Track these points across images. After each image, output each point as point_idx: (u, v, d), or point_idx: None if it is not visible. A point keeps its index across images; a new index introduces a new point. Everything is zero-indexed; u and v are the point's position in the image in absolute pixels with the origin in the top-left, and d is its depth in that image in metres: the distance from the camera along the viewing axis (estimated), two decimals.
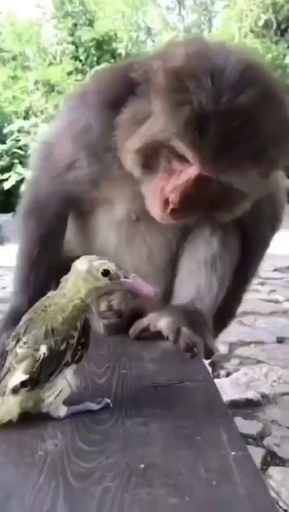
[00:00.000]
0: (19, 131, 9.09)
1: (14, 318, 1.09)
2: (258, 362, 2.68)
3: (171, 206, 0.95)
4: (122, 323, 1.17)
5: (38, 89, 9.73)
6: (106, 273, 0.74)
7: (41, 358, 0.68)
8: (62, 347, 0.69)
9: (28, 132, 9.09)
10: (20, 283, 1.20)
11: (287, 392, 2.39)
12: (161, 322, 1.07)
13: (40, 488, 0.56)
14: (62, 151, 1.14)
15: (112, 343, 1.09)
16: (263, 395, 2.35)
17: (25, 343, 0.70)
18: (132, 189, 1.07)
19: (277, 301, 3.86)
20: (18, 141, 8.96)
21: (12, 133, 9.02)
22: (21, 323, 0.74)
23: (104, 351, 1.02)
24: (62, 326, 0.70)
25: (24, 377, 0.67)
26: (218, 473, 0.59)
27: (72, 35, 10.34)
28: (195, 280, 1.17)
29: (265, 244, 1.30)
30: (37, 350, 0.69)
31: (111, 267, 0.73)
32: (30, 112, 9.40)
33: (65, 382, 0.71)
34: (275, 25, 10.77)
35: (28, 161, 8.64)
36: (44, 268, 1.19)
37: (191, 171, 0.92)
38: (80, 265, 0.74)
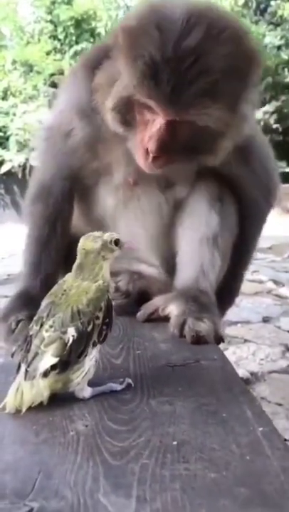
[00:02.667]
0: None
1: (25, 299, 1.12)
2: (246, 341, 2.74)
3: (150, 155, 1.00)
4: (129, 304, 1.19)
5: (16, 69, 9.51)
6: (116, 242, 0.75)
7: (70, 340, 0.69)
8: (89, 328, 0.70)
9: (7, 113, 8.90)
10: (31, 265, 1.21)
11: (275, 370, 2.45)
12: (169, 310, 1.11)
13: (79, 466, 0.57)
14: (61, 125, 1.20)
15: (121, 324, 1.10)
16: (252, 373, 2.41)
17: (51, 326, 0.70)
18: (126, 152, 1.11)
19: (260, 282, 3.92)
20: None
21: None
22: (42, 307, 0.74)
23: (115, 333, 1.02)
24: (87, 308, 0.71)
25: (54, 360, 0.68)
26: (250, 448, 0.60)
27: (50, 13, 10.08)
28: (198, 258, 1.20)
29: (262, 216, 1.33)
30: (64, 332, 0.69)
31: (118, 236, 0.76)
32: (9, 93, 9.19)
33: (92, 362, 0.71)
34: (254, 5, 10.69)
35: (8, 143, 8.49)
36: (54, 249, 1.21)
37: (160, 119, 0.97)
38: (90, 244, 0.75)
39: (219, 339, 1.07)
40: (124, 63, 0.98)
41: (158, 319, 1.12)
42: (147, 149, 1.00)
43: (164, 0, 1.01)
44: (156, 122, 0.98)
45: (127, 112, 1.02)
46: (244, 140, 1.08)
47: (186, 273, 1.20)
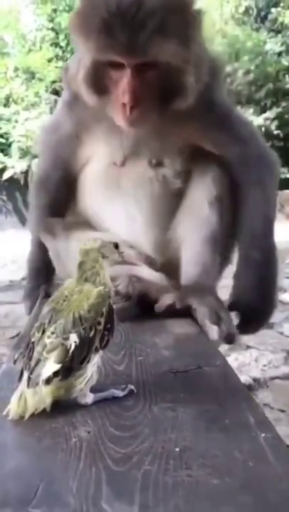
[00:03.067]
0: (0, 118, 8.94)
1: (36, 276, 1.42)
2: (248, 347, 2.73)
3: (128, 106, 1.07)
4: (131, 307, 1.21)
5: (18, 76, 9.54)
6: (116, 246, 0.76)
7: (72, 346, 0.69)
8: (91, 334, 0.70)
9: (9, 120, 8.94)
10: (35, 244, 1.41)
11: (277, 376, 2.44)
12: (189, 302, 1.18)
13: (81, 473, 0.57)
14: (54, 120, 1.37)
15: (123, 330, 1.10)
16: (255, 379, 2.40)
17: (52, 332, 0.70)
18: (107, 130, 1.20)
19: None
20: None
21: None
22: (44, 313, 0.74)
23: (117, 339, 1.02)
24: (89, 314, 0.71)
25: (57, 366, 0.68)
26: (253, 455, 0.60)
27: (52, 21, 10.14)
28: (200, 258, 1.24)
29: (267, 187, 1.28)
30: (66, 339, 0.69)
31: (117, 239, 0.78)
32: (11, 100, 9.23)
33: (95, 368, 0.71)
34: (255, 12, 10.74)
35: (10, 150, 8.52)
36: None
37: (126, 71, 1.06)
38: (89, 245, 0.76)
39: (232, 337, 1.14)
40: (79, 37, 1.09)
41: (176, 311, 1.19)
42: (124, 104, 1.07)
43: None
44: (123, 76, 1.06)
45: (97, 80, 1.10)
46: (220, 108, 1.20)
47: (191, 270, 1.24)
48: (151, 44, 1.02)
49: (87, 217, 1.32)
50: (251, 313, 1.24)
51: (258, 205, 1.24)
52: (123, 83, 1.06)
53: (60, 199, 1.37)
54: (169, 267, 1.28)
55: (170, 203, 1.28)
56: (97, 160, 1.29)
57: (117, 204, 1.27)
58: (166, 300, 1.21)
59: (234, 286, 1.25)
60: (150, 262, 1.23)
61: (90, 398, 0.73)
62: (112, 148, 1.24)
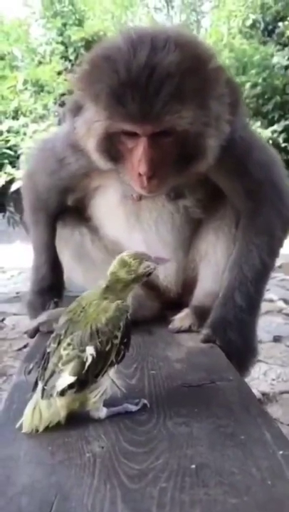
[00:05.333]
0: (8, 131, 8.99)
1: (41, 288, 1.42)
2: (257, 361, 2.69)
3: (144, 177, 1.01)
4: None
5: (27, 89, 9.62)
6: (149, 274, 0.75)
7: (89, 359, 0.68)
8: (108, 347, 0.69)
9: (18, 132, 9.01)
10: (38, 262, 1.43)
11: (287, 391, 2.41)
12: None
13: (96, 489, 0.56)
14: (55, 152, 1.26)
15: (134, 343, 1.09)
16: (264, 394, 2.37)
17: (69, 344, 0.69)
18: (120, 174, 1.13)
19: (271, 300, 3.89)
20: (8, 141, 8.86)
21: (1, 133, 8.92)
22: (60, 324, 0.73)
23: (128, 352, 1.01)
24: (106, 327, 0.70)
25: (72, 379, 0.67)
26: (271, 472, 0.59)
27: (61, 34, 10.25)
28: (217, 284, 1.23)
29: (275, 238, 1.25)
30: (83, 351, 0.68)
31: (152, 269, 0.75)
32: (20, 112, 9.31)
33: (109, 381, 0.71)
34: (262, 26, 10.81)
35: (19, 162, 8.59)
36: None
37: (141, 139, 0.99)
38: (124, 274, 0.75)
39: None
40: (87, 99, 1.03)
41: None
42: (140, 174, 1.01)
43: (108, 38, 1.06)
44: (138, 145, 1.00)
45: (110, 147, 1.04)
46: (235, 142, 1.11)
47: (209, 287, 1.25)
48: (167, 112, 0.95)
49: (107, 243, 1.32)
50: (231, 349, 1.14)
51: (259, 252, 1.19)
52: (138, 152, 1.00)
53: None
54: (186, 284, 1.29)
55: (191, 229, 1.27)
56: (113, 192, 1.25)
57: (137, 235, 1.25)
58: (183, 323, 1.22)
59: (213, 319, 1.19)
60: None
61: (103, 413, 0.72)
62: (126, 185, 1.17)
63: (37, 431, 0.68)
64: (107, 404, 0.73)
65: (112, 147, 1.04)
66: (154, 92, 0.93)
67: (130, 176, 1.05)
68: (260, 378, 2.54)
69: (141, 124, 0.97)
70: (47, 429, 0.68)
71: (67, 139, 1.20)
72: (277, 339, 3.05)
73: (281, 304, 3.83)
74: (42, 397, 0.68)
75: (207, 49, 1.04)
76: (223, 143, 1.06)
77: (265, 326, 3.20)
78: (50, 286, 1.42)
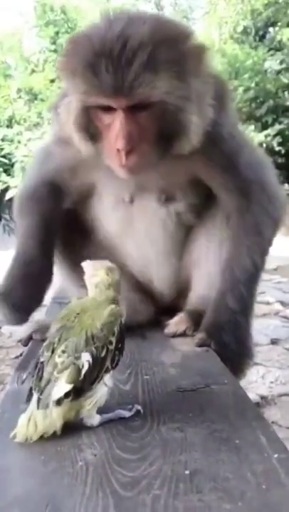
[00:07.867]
0: (3, 139, 9.02)
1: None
2: (255, 364, 2.68)
3: (122, 152, 0.99)
4: None
5: (20, 97, 9.67)
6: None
7: (86, 366, 0.67)
8: (103, 353, 0.68)
9: (12, 140, 9.02)
10: (25, 247, 1.25)
11: (285, 393, 2.40)
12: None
13: (88, 498, 0.55)
14: (45, 149, 1.29)
15: (128, 348, 1.08)
16: (262, 397, 2.36)
17: (63, 351, 0.68)
18: (107, 173, 1.10)
19: (268, 303, 3.89)
20: (2, 149, 8.89)
21: None
22: (53, 331, 0.72)
23: (122, 358, 1.00)
24: (101, 332, 0.69)
25: (68, 387, 0.66)
26: (266, 477, 0.58)
27: (54, 43, 10.33)
28: (211, 287, 1.21)
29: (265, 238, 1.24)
30: (78, 358, 0.67)
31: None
32: (14, 121, 9.33)
33: (104, 388, 0.70)
34: (253, 31, 10.88)
35: (13, 170, 8.59)
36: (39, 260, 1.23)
37: (117, 113, 0.98)
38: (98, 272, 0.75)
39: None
40: (66, 78, 1.03)
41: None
42: (118, 150, 0.99)
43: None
44: (115, 120, 0.98)
45: (89, 125, 1.03)
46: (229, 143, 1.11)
47: (202, 291, 1.24)
48: (140, 83, 0.94)
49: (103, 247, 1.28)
50: (227, 352, 1.12)
51: (250, 253, 1.18)
52: (116, 127, 0.98)
53: (50, 221, 1.27)
54: (179, 288, 1.28)
55: (184, 234, 1.26)
56: (105, 195, 1.23)
57: (130, 241, 1.25)
58: (178, 327, 1.21)
59: (207, 323, 1.18)
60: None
61: (96, 420, 0.71)
62: (117, 185, 1.17)
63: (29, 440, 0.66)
64: (99, 410, 0.72)
65: (91, 124, 1.02)
66: (126, 62, 0.93)
67: (109, 155, 1.03)
68: (258, 381, 2.54)
69: (115, 97, 0.96)
70: (40, 438, 0.67)
71: (54, 134, 1.23)
72: (274, 342, 3.05)
73: (278, 307, 3.84)
74: (38, 407, 0.67)
75: (185, 27, 1.05)
76: (208, 128, 1.04)
77: (263, 328, 3.20)
78: (40, 273, 1.22)
